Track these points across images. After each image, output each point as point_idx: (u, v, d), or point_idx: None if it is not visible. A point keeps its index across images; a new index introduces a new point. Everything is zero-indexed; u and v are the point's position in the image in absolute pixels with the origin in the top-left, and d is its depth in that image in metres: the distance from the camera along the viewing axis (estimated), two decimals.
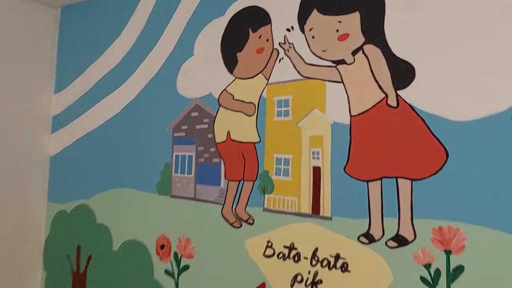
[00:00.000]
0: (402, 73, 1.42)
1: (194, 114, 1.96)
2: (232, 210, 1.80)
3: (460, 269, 1.28)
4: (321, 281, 1.54)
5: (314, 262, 1.56)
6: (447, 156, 1.33)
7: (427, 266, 1.34)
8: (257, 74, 1.77)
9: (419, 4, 1.42)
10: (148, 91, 2.15)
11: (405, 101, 1.42)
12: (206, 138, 1.92)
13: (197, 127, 1.95)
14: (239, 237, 1.76)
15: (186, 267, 1.92)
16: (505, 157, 1.25)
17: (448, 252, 1.30)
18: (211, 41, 1.93)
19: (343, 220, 1.51)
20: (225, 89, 1.87)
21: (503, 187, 1.24)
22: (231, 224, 1.80)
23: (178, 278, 1.93)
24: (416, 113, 1.39)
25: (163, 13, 2.13)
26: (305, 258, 1.58)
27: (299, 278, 1.59)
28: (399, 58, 1.44)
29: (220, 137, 1.88)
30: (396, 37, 1.45)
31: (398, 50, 1.44)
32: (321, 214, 1.56)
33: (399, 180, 1.41)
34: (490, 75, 1.28)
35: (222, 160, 1.86)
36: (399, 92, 1.43)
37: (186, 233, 1.93)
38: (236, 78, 1.84)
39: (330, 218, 1.54)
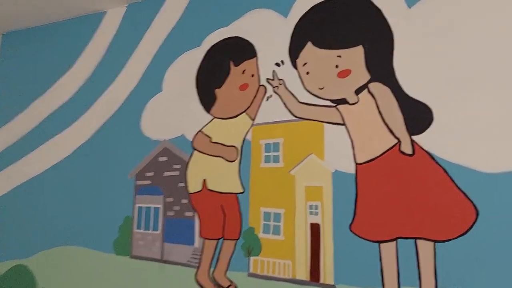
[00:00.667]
0: (418, 116, 1.30)
1: (163, 158, 1.80)
2: (209, 275, 1.61)
3: None
4: None
5: None
6: (477, 214, 1.18)
7: None
8: (241, 114, 1.64)
9: (436, 37, 1.31)
10: (106, 131, 1.99)
11: (422, 148, 1.28)
12: (176, 187, 1.75)
13: (166, 174, 1.78)
14: None
15: None
16: None
17: None
18: (184, 76, 1.80)
19: None
20: (200, 130, 1.73)
21: None
22: None
23: None
24: (436, 162, 1.26)
25: (127, 42, 2.00)
26: None
27: None
28: (413, 98, 1.32)
29: (194, 186, 1.70)
30: (409, 74, 1.34)
31: (412, 89, 1.32)
32: (321, 281, 1.38)
33: (419, 241, 1.25)
34: None
35: (196, 214, 1.69)
36: (414, 137, 1.30)
37: None
38: (214, 117, 1.70)
39: (334, 287, 1.36)
